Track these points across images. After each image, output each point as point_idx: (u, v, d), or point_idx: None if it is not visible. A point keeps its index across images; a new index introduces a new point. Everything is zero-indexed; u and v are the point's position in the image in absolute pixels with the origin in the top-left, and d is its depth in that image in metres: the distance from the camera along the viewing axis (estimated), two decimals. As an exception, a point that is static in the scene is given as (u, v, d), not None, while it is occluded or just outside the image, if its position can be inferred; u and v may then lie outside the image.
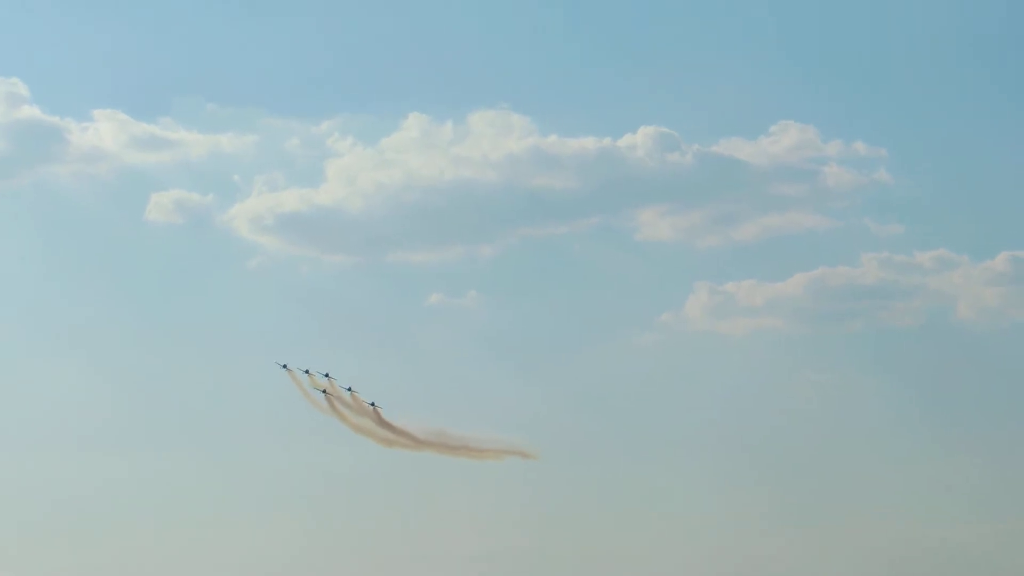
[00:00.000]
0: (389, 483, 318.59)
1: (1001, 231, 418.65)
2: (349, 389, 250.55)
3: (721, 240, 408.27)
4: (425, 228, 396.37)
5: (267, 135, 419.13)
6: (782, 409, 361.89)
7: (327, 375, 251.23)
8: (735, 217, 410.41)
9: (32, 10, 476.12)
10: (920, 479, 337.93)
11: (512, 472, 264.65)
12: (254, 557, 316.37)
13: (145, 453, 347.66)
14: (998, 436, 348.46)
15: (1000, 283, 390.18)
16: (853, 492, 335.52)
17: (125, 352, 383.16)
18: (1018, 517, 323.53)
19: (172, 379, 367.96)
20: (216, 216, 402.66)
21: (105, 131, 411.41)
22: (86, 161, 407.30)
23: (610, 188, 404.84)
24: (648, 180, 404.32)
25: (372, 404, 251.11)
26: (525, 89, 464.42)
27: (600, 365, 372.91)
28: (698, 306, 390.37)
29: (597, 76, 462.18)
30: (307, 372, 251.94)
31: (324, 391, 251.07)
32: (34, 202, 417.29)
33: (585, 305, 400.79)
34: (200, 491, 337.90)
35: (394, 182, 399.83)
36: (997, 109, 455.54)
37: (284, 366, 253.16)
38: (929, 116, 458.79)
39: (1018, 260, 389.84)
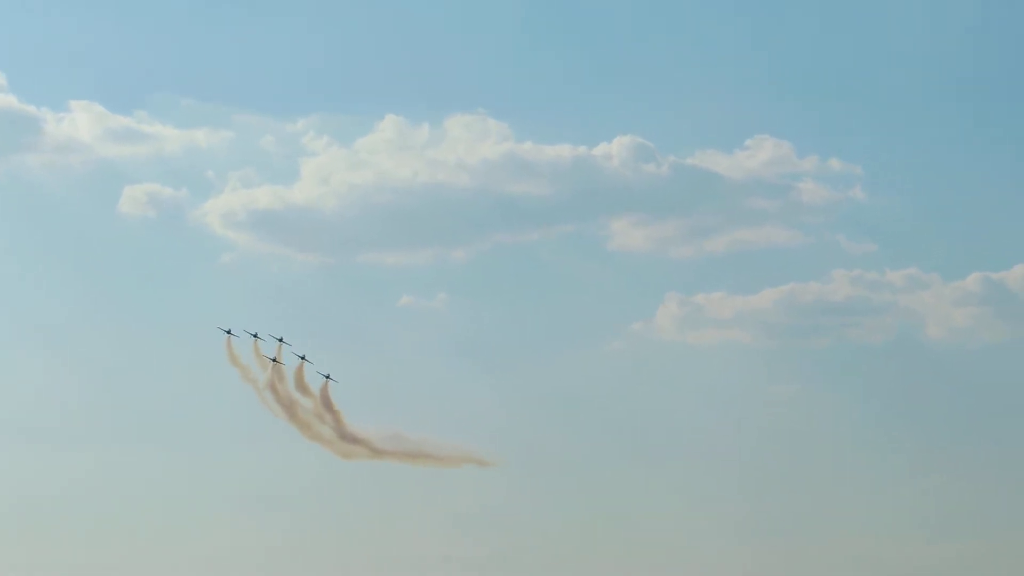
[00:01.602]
0: (350, 486, 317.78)
1: (973, 252, 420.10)
2: (302, 357, 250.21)
3: (693, 252, 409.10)
4: (397, 230, 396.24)
5: (242, 132, 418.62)
6: (749, 422, 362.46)
7: (281, 339, 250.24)
8: (708, 229, 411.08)
9: (12, 0, 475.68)
10: (886, 496, 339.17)
11: (474, 478, 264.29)
12: (218, 556, 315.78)
13: (112, 449, 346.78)
14: (964, 455, 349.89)
15: (970, 303, 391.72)
16: (818, 508, 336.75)
17: (94, 345, 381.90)
18: (982, 537, 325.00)
19: (140, 374, 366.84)
20: (189, 211, 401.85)
21: (81, 122, 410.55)
22: (61, 152, 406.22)
23: (584, 196, 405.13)
24: (622, 190, 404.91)
25: (327, 376, 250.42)
26: (502, 95, 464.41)
27: (569, 372, 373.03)
28: (668, 316, 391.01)
29: (575, 84, 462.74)
30: (255, 336, 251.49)
31: (274, 359, 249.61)
32: (7, 191, 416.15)
33: (556, 312, 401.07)
34: (167, 489, 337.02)
35: (368, 183, 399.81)
36: (973, 130, 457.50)
37: (228, 331, 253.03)
38: (905, 135, 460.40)
39: (989, 281, 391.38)
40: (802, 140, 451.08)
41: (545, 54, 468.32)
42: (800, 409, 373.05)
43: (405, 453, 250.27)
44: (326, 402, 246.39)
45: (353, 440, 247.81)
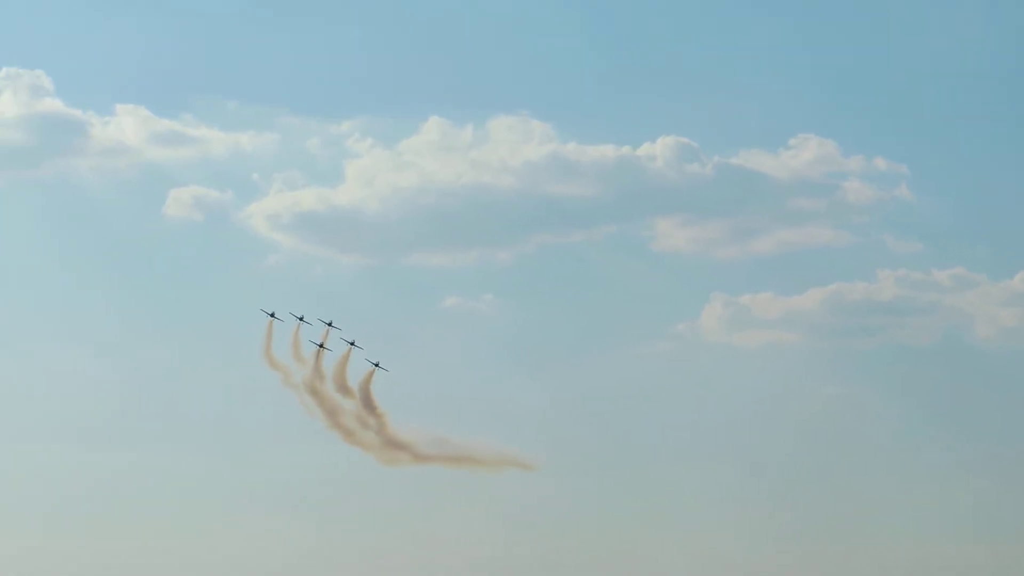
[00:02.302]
0: (392, 490, 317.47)
1: (1020, 251, 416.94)
2: (352, 343, 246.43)
3: (738, 252, 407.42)
4: (442, 232, 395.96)
5: (287, 134, 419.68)
6: (795, 424, 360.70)
7: (330, 324, 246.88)
8: (753, 230, 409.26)
9: (58, 3, 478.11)
10: (932, 499, 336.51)
11: (517, 482, 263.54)
12: (255, 558, 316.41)
13: (154, 450, 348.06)
14: (1011, 458, 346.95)
15: (1018, 303, 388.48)
16: (864, 510, 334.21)
17: (138, 347, 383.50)
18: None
19: (184, 375, 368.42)
20: (234, 213, 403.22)
21: (127, 126, 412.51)
22: (107, 155, 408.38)
23: (628, 197, 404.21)
24: (666, 190, 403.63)
25: (376, 364, 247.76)
26: (545, 96, 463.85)
27: (613, 373, 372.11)
28: (713, 317, 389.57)
29: (618, 84, 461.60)
30: (301, 319, 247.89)
31: (320, 345, 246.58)
32: (54, 194, 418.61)
33: (600, 313, 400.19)
34: (208, 490, 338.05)
35: (412, 185, 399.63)
36: (1019, 129, 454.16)
37: (271, 314, 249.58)
38: (951, 134, 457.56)
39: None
40: (847, 139, 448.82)
41: (588, 54, 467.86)
42: (847, 411, 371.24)
43: (448, 457, 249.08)
44: (369, 403, 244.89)
45: (396, 445, 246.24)
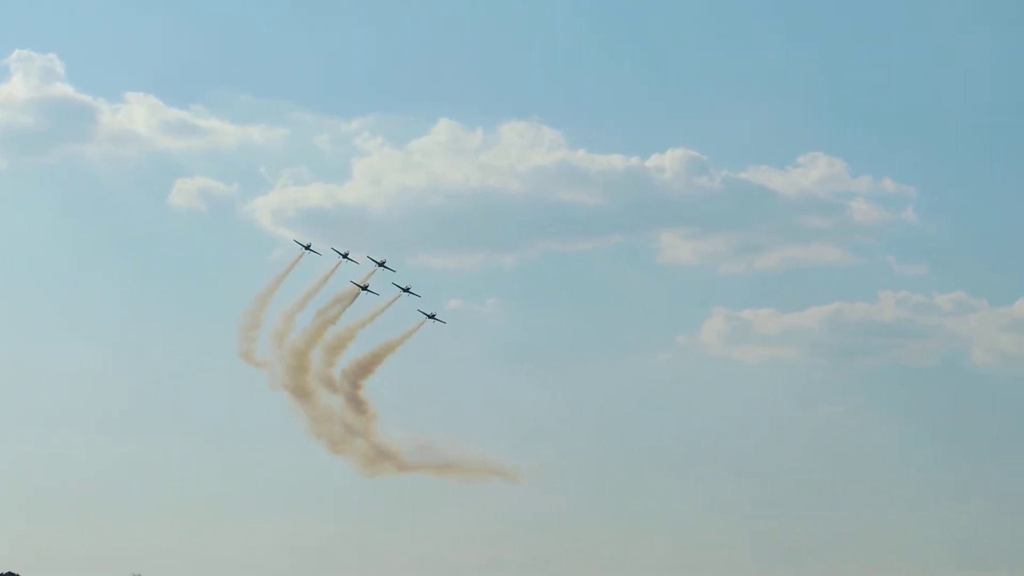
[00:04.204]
0: (374, 498, 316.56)
1: (1021, 278, 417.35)
2: (406, 289, 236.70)
3: (742, 267, 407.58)
4: (447, 233, 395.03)
5: (297, 129, 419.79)
6: (791, 441, 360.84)
7: (382, 263, 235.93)
8: (758, 245, 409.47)
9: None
10: (927, 522, 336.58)
11: (507, 489, 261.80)
12: (248, 555, 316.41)
13: (149, 440, 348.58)
14: (1007, 483, 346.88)
15: (1017, 330, 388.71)
16: (857, 530, 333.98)
17: (137, 335, 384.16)
18: (1018, 566, 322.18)
19: (181, 367, 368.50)
20: (239, 206, 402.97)
21: (136, 114, 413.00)
22: (115, 142, 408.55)
23: (635, 207, 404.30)
24: (674, 202, 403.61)
25: (431, 316, 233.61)
26: (557, 103, 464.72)
27: (613, 383, 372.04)
28: (714, 331, 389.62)
29: (630, 95, 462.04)
30: (344, 256, 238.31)
31: (364, 287, 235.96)
32: (62, 179, 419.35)
33: (603, 322, 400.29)
34: (203, 484, 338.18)
35: (419, 185, 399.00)
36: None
37: (307, 247, 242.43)
38: (960, 158, 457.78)
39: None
40: (856, 159, 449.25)
41: (601, 64, 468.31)
42: (844, 429, 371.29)
43: (432, 466, 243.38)
44: (358, 402, 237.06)
45: (382, 454, 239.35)
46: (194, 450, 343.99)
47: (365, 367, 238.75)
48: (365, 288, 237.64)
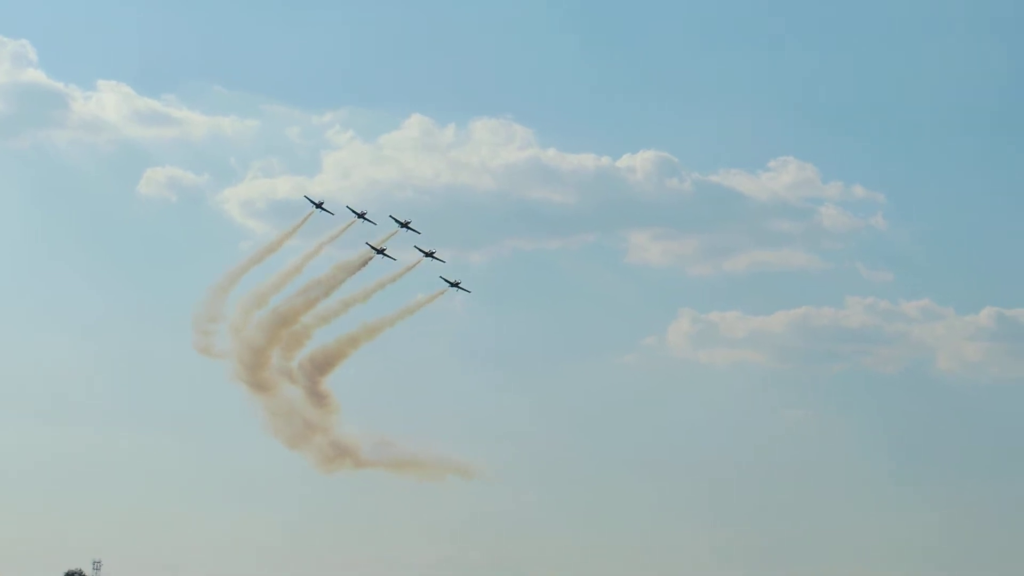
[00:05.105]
0: (334, 492, 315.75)
1: (988, 287, 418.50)
2: (430, 254, 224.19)
3: (710, 270, 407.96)
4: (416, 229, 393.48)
5: (269, 121, 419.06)
6: (755, 444, 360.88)
7: (406, 224, 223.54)
8: (726, 248, 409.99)
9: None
10: (889, 527, 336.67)
11: (467, 487, 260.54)
12: (206, 545, 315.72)
13: (113, 428, 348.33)
14: (969, 491, 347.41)
15: (982, 338, 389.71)
16: (819, 535, 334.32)
17: (103, 322, 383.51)
18: (983, 573, 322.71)
19: (149, 354, 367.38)
20: (208, 196, 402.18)
21: (108, 102, 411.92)
22: (86, 129, 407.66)
23: (605, 207, 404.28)
24: (644, 203, 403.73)
25: (455, 284, 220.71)
26: (530, 101, 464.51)
27: (578, 383, 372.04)
28: (680, 333, 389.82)
29: (603, 95, 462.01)
30: (361, 216, 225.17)
31: (381, 251, 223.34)
32: (31, 164, 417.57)
33: (570, 321, 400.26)
34: (169, 471, 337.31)
35: (389, 180, 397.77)
36: (998, 167, 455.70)
37: (318, 204, 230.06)
38: (931, 166, 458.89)
39: (1002, 317, 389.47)
40: (827, 164, 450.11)
41: (575, 63, 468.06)
42: (808, 434, 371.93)
43: (390, 463, 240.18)
44: (319, 394, 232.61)
45: (340, 450, 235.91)
46: (157, 440, 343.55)
47: (331, 358, 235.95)
48: (382, 252, 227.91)
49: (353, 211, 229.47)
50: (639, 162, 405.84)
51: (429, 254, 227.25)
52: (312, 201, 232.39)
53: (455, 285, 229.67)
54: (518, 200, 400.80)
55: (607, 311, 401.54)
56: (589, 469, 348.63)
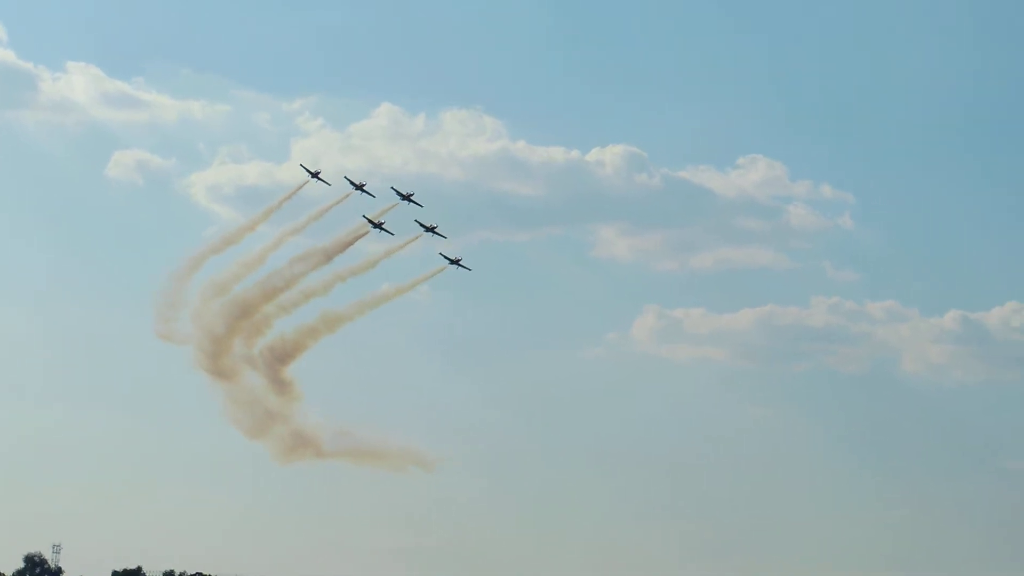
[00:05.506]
0: (299, 478, 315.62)
1: (953, 290, 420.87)
2: (431, 229, 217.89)
3: (676, 266, 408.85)
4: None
5: (239, 107, 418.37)
6: (715, 440, 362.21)
7: (409, 196, 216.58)
8: (693, 245, 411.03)
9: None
10: (849, 525, 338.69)
11: (426, 477, 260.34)
12: (166, 531, 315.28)
13: (75, 410, 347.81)
14: (930, 492, 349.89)
15: (946, 341, 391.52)
16: (778, 532, 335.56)
17: (66, 304, 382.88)
18: (942, 573, 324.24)
19: (112, 338, 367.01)
20: (176, 181, 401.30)
21: (77, 84, 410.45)
22: (55, 110, 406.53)
23: (573, 201, 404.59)
24: (612, 198, 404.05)
25: (454, 262, 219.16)
26: (501, 93, 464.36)
27: (541, 375, 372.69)
28: (645, 328, 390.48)
29: (573, 88, 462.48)
30: (360, 189, 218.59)
31: (378, 225, 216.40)
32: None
33: (535, 314, 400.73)
34: (129, 456, 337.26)
35: (357, 168, 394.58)
36: (966, 171, 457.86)
37: (315, 174, 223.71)
38: (900, 168, 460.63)
39: (967, 320, 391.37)
40: (796, 163, 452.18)
41: (546, 56, 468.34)
42: (771, 432, 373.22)
43: (350, 453, 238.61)
44: (281, 381, 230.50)
45: (300, 440, 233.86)
46: (118, 425, 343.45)
47: (292, 349, 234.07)
48: (379, 226, 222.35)
49: (351, 182, 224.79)
50: (608, 156, 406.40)
51: (430, 229, 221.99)
52: (308, 171, 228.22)
53: (455, 263, 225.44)
54: (487, 191, 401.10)
55: (573, 304, 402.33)
56: (551, 461, 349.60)
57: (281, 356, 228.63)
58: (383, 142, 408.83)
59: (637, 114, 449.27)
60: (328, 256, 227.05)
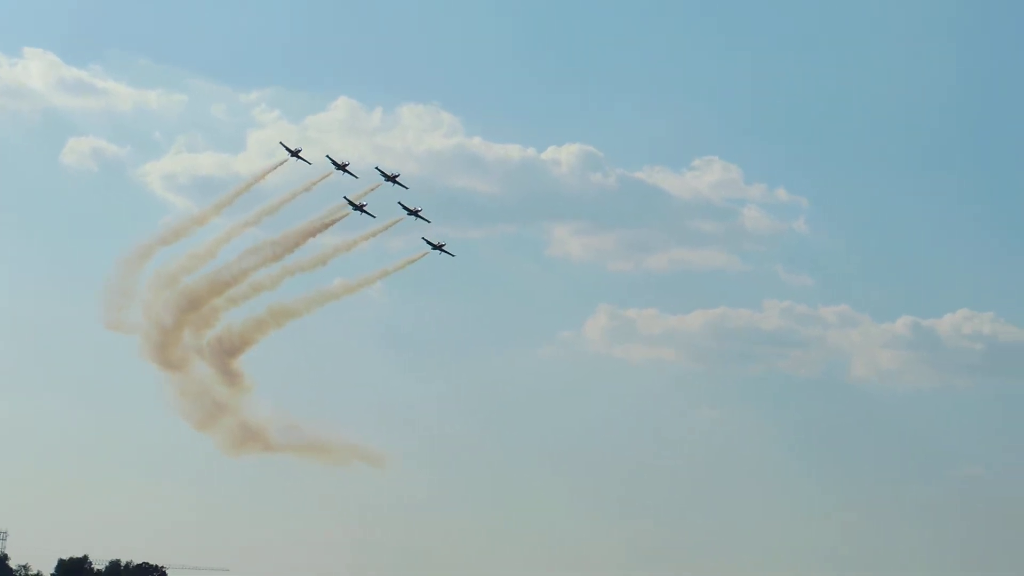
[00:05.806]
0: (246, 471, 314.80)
1: (905, 296, 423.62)
2: (415, 213, 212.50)
3: (630, 266, 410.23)
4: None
5: (195, 97, 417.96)
6: (667, 441, 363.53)
7: (394, 178, 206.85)
8: (647, 245, 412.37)
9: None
10: (797, 527, 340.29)
11: (372, 473, 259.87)
12: (113, 521, 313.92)
13: (26, 400, 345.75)
14: (878, 494, 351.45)
15: (897, 346, 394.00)
16: (727, 534, 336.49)
17: (18, 292, 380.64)
18: (883, 572, 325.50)
19: (61, 325, 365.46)
20: (131, 169, 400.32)
21: (34, 70, 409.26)
22: (10, 96, 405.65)
23: (528, 199, 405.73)
24: (567, 197, 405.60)
25: (437, 247, 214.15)
26: (458, 89, 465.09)
27: (492, 374, 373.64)
28: (597, 328, 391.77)
29: (531, 86, 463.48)
30: (342, 168, 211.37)
31: (360, 207, 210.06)
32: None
33: (488, 312, 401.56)
34: (76, 444, 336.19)
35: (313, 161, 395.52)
36: (921, 179, 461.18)
37: (295, 152, 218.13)
38: (854, 174, 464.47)
39: (918, 327, 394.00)
40: (752, 166, 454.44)
41: (505, 53, 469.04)
42: (722, 434, 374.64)
43: (298, 447, 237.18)
44: (231, 373, 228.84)
45: (248, 433, 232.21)
46: (65, 413, 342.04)
47: (243, 341, 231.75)
48: (360, 208, 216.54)
49: (333, 161, 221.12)
50: (564, 155, 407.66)
51: (414, 212, 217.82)
52: (288, 149, 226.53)
53: (439, 248, 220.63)
54: (442, 187, 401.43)
55: (525, 303, 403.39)
56: (500, 459, 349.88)
57: (230, 349, 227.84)
58: (339, 135, 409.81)
59: (594, 114, 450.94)
60: (299, 241, 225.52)
